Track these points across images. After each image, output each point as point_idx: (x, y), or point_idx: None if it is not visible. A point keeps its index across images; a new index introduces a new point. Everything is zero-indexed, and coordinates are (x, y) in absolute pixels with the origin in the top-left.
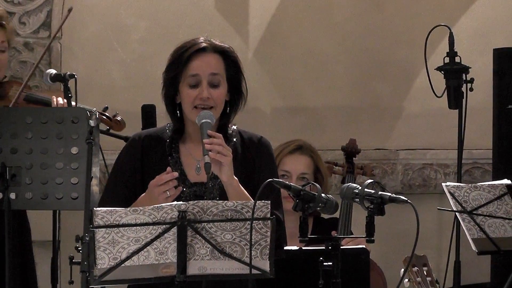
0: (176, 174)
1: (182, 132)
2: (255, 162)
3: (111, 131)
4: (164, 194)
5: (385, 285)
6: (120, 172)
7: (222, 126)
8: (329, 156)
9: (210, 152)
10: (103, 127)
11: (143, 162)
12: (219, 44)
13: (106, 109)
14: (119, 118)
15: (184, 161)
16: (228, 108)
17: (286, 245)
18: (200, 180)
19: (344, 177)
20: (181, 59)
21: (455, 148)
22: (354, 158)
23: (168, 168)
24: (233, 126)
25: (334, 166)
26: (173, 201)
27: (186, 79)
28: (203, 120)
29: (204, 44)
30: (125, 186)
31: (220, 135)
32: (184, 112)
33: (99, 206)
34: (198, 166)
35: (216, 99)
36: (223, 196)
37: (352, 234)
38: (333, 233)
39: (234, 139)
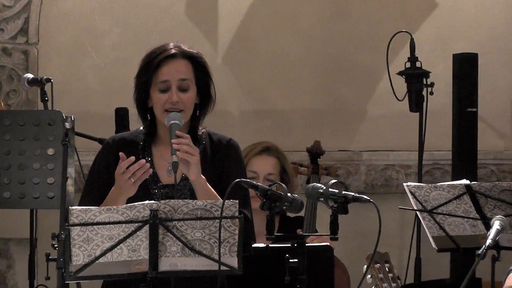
0: (132, 158)
1: (154, 135)
2: (224, 163)
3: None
4: (129, 181)
5: (349, 281)
6: (96, 174)
7: (192, 128)
8: (295, 157)
9: (178, 152)
10: None
11: (118, 165)
12: (188, 50)
13: None
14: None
15: (156, 163)
16: (198, 111)
17: (255, 242)
18: (171, 182)
19: (309, 177)
20: (151, 65)
21: (416, 149)
22: (318, 159)
23: (121, 154)
24: (203, 129)
25: (300, 167)
26: (145, 201)
27: (157, 84)
28: (172, 121)
29: (173, 51)
30: (101, 188)
31: (188, 135)
32: (155, 116)
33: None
34: (170, 168)
35: (185, 102)
36: (194, 196)
37: (317, 232)
38: (299, 231)
39: (204, 141)
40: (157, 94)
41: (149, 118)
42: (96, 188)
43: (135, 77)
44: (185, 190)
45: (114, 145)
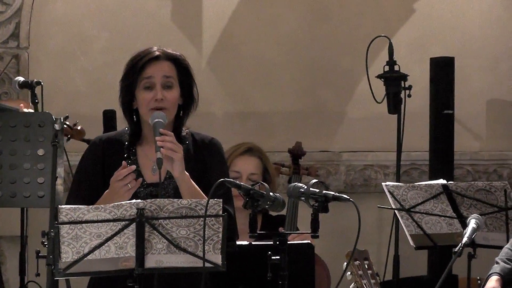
0: (133, 167)
1: (138, 135)
2: (206, 161)
3: (72, 139)
4: (126, 187)
5: (329, 278)
6: (83, 173)
7: (175, 128)
8: (277, 157)
9: (162, 149)
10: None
11: (104, 164)
12: (171, 52)
13: (66, 118)
14: (79, 127)
15: (141, 163)
16: (181, 112)
17: (238, 238)
18: (155, 181)
19: (290, 177)
20: (136, 67)
21: (394, 150)
22: (300, 160)
23: (124, 163)
24: (186, 129)
25: (281, 167)
26: (131, 199)
27: (142, 82)
28: (156, 120)
29: (157, 53)
30: (88, 187)
31: (172, 133)
32: (140, 116)
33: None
34: (154, 167)
35: (169, 100)
36: (177, 194)
37: (298, 230)
38: (280, 229)
39: (187, 141)
40: (142, 93)
41: (134, 119)
42: (83, 187)
43: (121, 80)
44: (169, 188)
45: (101, 145)
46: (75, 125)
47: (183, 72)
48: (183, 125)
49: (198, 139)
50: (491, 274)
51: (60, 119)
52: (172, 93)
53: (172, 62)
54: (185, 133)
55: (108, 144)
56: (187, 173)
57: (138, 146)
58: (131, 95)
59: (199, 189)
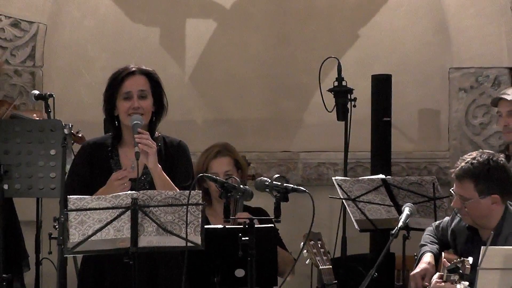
0: (130, 170)
1: (119, 138)
2: (174, 160)
3: (75, 144)
4: (123, 185)
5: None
6: (75, 171)
7: (149, 131)
8: (247, 157)
9: (139, 144)
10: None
11: (92, 163)
12: (145, 68)
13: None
14: (80, 135)
15: (122, 162)
16: (154, 118)
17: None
18: (134, 177)
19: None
20: (116, 81)
21: (342, 150)
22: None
23: (127, 168)
24: (159, 134)
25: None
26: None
27: (121, 95)
28: (134, 122)
29: (133, 69)
30: (79, 181)
31: (147, 132)
32: (120, 121)
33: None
34: (133, 165)
35: (145, 108)
36: (152, 188)
37: (265, 214)
38: (241, 215)
39: (159, 143)
40: (122, 103)
41: (116, 124)
42: (76, 182)
43: (104, 92)
44: (145, 183)
45: (89, 148)
46: (77, 132)
47: (154, 84)
48: (156, 129)
49: (168, 142)
50: (424, 252)
51: (69, 125)
52: (146, 102)
53: (146, 76)
54: (157, 136)
55: (95, 147)
56: (160, 166)
57: (119, 148)
58: (112, 104)
59: (169, 179)
